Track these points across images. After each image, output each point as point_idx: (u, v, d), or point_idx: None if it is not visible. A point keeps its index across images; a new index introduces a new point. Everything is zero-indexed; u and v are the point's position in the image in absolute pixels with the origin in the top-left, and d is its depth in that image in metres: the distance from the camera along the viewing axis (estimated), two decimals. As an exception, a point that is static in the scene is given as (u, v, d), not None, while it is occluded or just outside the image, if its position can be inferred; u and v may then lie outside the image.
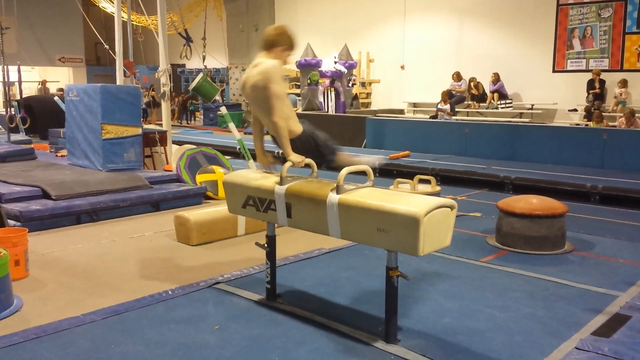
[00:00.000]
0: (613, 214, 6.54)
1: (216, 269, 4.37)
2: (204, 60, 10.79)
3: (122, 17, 9.73)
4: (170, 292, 3.82)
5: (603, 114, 11.59)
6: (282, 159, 3.62)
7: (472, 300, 3.76)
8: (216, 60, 20.14)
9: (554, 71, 13.80)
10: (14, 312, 3.51)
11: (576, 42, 13.39)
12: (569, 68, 13.56)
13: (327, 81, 14.96)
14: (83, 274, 4.28)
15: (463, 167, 8.66)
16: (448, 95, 13.55)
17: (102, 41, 11.03)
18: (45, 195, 5.93)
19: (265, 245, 3.67)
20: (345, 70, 15.25)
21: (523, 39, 14.26)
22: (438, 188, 6.54)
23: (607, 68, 12.89)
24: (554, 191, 7.12)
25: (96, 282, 4.09)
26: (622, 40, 12.72)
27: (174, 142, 9.63)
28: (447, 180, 8.32)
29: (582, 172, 8.02)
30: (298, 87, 16.35)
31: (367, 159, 3.93)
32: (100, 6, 19.62)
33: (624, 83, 12.36)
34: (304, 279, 4.14)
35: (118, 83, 9.27)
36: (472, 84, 14.37)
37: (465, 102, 14.55)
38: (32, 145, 9.41)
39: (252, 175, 3.68)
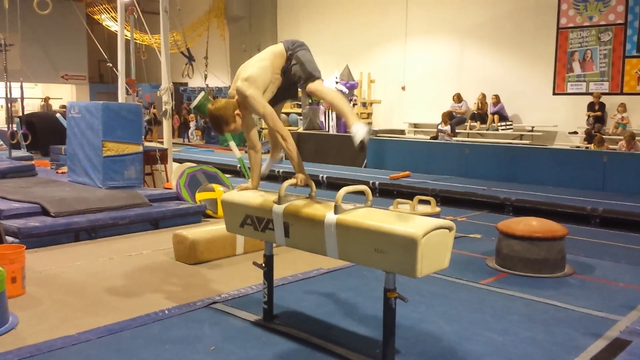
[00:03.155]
0: (613, 237, 6.51)
1: (213, 288, 4.34)
2: (205, 79, 10.85)
3: (126, 36, 9.82)
4: (166, 312, 3.79)
5: (603, 137, 11.62)
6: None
7: (471, 323, 3.73)
8: (218, 79, 20.26)
9: (554, 94, 13.86)
10: (9, 329, 3.48)
11: (576, 65, 13.47)
12: (569, 91, 13.63)
13: (328, 101, 15.01)
14: (80, 292, 4.25)
15: (463, 188, 8.66)
16: (449, 117, 13.60)
17: (107, 59, 11.10)
18: (45, 212, 5.92)
19: (263, 265, 3.64)
20: (347, 91, 15.32)
21: (523, 61, 14.36)
22: (438, 209, 6.52)
23: (607, 91, 12.96)
24: (554, 213, 7.11)
25: (92, 301, 4.06)
26: (622, 64, 12.81)
27: (175, 160, 9.65)
28: (447, 201, 8.31)
29: (583, 195, 8.01)
30: (299, 106, 16.42)
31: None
32: (104, 24, 19.82)
33: (624, 107, 12.42)
34: (302, 300, 4.11)
35: (120, 101, 9.32)
36: (478, 100, 14.38)
37: (467, 122, 14.61)
38: (32, 162, 9.41)
39: (250, 194, 3.67)
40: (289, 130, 14.28)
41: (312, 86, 3.67)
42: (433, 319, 3.78)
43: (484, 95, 14.41)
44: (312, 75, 3.67)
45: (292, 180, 3.43)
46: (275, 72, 3.64)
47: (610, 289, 4.53)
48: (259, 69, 3.54)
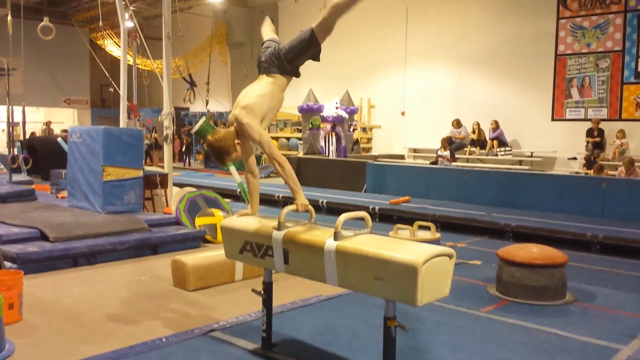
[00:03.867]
0: (614, 264, 6.48)
1: (212, 315, 4.31)
2: (207, 105, 10.92)
3: (128, 61, 9.91)
4: (164, 340, 3.75)
5: (602, 162, 11.65)
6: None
7: (473, 352, 3.69)
8: (220, 104, 20.39)
9: (553, 119, 13.95)
10: (5, 357, 3.44)
11: (574, 92, 13.58)
12: (567, 117, 13.72)
13: (328, 126, 15.11)
14: (77, 319, 4.22)
15: (463, 213, 8.64)
16: (448, 142, 13.66)
17: (113, 83, 11.19)
18: (44, 237, 5.90)
19: (262, 292, 3.62)
20: (347, 116, 15.42)
21: (522, 87, 14.48)
22: (438, 235, 6.50)
23: (605, 117, 13.04)
24: (554, 240, 7.08)
25: (90, 328, 4.02)
26: (620, 90, 12.91)
27: (175, 185, 9.65)
28: (447, 226, 8.29)
29: (583, 221, 7.99)
30: (300, 131, 16.51)
31: None
32: (107, 50, 20.04)
33: (623, 133, 12.49)
34: (301, 328, 4.07)
35: (121, 125, 9.37)
36: (474, 127, 14.52)
37: (466, 147, 14.68)
38: (32, 186, 9.42)
39: (250, 220, 3.66)
40: (289, 154, 14.27)
41: (317, 35, 3.67)
42: (434, 348, 3.74)
43: (478, 124, 14.52)
44: (306, 40, 3.68)
45: (292, 207, 3.43)
46: (276, 98, 3.70)
47: (611, 317, 4.49)
48: (257, 98, 3.61)
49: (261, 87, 3.70)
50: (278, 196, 10.43)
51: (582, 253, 6.90)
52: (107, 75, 11.95)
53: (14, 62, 13.76)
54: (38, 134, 20.62)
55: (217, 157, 3.59)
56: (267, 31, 4.10)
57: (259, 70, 3.82)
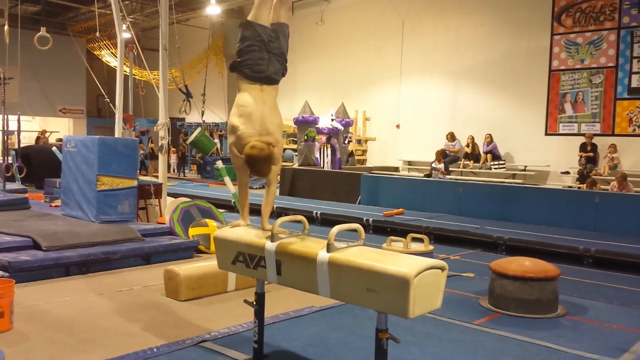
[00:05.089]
0: (606, 277, 6.50)
1: (203, 325, 4.30)
2: (202, 116, 10.95)
3: (125, 72, 9.94)
4: (155, 350, 3.73)
5: (595, 177, 11.72)
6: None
7: (464, 364, 3.69)
8: (215, 115, 20.44)
9: (546, 134, 14.05)
10: (-6, 366, 3.42)
11: (568, 107, 13.69)
12: (561, 131, 13.82)
13: (323, 138, 15.15)
14: (68, 328, 4.20)
15: (456, 226, 8.66)
16: (442, 155, 13.72)
17: (104, 94, 11.20)
18: (36, 245, 5.88)
19: (254, 302, 3.62)
20: (342, 128, 15.47)
21: (516, 102, 14.59)
22: (431, 247, 6.51)
23: (598, 132, 13.14)
24: (546, 253, 7.11)
25: (80, 338, 4.00)
26: (613, 106, 13.02)
27: (170, 195, 9.64)
28: (441, 239, 8.30)
29: (575, 235, 8.02)
30: (295, 142, 16.55)
31: None
32: (103, 60, 20.09)
33: (614, 147, 12.58)
34: (293, 339, 4.06)
35: (117, 135, 9.37)
36: (468, 141, 14.61)
37: (460, 160, 14.75)
38: (26, 195, 9.39)
39: (243, 231, 3.67)
40: (284, 166, 14.28)
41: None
42: (425, 360, 3.74)
43: (473, 137, 14.61)
44: (287, 33, 3.82)
45: (283, 218, 3.45)
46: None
47: (603, 330, 4.50)
48: (280, 117, 3.76)
49: (274, 101, 3.77)
50: (273, 208, 10.42)
51: (575, 266, 6.93)
52: (100, 87, 11.94)
53: (11, 71, 13.75)
54: (33, 143, 20.54)
55: (265, 165, 3.58)
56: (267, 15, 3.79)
57: (265, 81, 3.76)
